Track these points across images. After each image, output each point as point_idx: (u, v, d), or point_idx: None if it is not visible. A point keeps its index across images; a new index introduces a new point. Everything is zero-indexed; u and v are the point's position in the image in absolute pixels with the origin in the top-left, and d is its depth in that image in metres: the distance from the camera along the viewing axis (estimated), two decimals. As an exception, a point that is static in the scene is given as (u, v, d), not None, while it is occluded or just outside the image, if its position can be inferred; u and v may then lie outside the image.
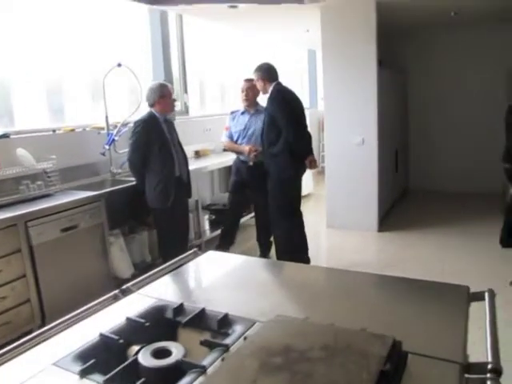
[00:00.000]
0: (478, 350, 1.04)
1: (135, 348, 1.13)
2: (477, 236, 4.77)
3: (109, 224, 3.41)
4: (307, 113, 4.27)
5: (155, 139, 3.37)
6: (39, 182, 3.30)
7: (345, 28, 4.84)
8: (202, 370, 0.98)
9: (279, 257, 3.94)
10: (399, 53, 6.81)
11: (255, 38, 6.99)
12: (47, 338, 1.19)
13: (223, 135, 4.29)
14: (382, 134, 4.98)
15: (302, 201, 4.09)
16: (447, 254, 4.31)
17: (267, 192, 4.00)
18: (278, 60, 6.37)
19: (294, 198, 3.92)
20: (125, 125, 3.93)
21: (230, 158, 4.57)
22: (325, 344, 0.95)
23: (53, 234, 2.94)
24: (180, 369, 1.01)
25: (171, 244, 3.46)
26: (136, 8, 4.56)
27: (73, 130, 3.85)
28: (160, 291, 1.45)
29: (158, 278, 1.58)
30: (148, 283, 1.54)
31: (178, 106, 5.36)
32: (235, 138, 4.20)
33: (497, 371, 0.90)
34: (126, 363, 1.04)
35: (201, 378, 0.95)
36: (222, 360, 0.99)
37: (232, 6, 4.52)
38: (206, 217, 4.82)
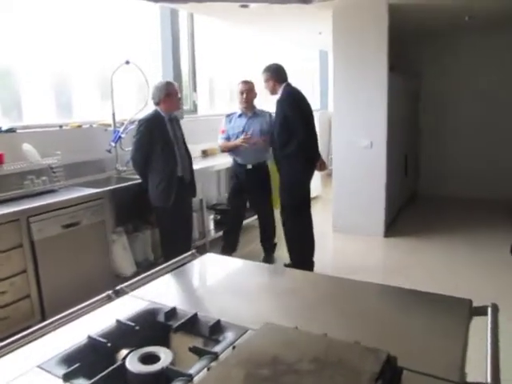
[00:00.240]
0: (478, 365, 1.00)
1: (124, 352, 1.11)
2: (487, 244, 4.66)
3: (112, 221, 3.40)
4: (317, 114, 4.23)
5: (158, 138, 3.35)
6: (44, 178, 3.30)
7: (356, 30, 4.79)
8: (189, 378, 0.96)
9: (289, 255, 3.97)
10: (413, 57, 6.74)
11: (266, 37, 6.95)
12: (35, 339, 1.17)
13: (219, 138, 4.18)
14: (391, 137, 4.91)
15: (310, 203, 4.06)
16: (454, 263, 4.23)
17: (268, 194, 3.96)
18: (288, 59, 6.33)
19: (303, 198, 3.90)
20: (132, 122, 3.92)
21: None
22: (315, 356, 0.91)
23: (54, 230, 2.94)
24: (166, 376, 0.98)
25: (173, 243, 3.45)
26: (146, 6, 4.55)
27: (80, 127, 3.85)
28: (154, 293, 1.43)
29: (153, 279, 1.56)
30: (143, 284, 1.52)
31: (186, 104, 5.35)
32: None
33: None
34: (112, 368, 1.01)
35: (187, 387, 0.92)
36: (208, 369, 0.95)
37: (243, 6, 4.49)
38: (211, 217, 4.80)
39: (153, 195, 3.45)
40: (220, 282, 1.59)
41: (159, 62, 4.94)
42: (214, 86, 6.24)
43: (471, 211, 6.04)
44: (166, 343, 1.17)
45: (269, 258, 4.30)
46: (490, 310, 1.17)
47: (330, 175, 5.94)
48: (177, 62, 5.01)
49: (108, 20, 4.31)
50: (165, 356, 1.06)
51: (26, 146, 3.26)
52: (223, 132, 4.14)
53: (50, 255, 2.93)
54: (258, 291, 1.47)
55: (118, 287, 1.45)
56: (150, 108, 3.59)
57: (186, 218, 3.64)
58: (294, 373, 0.87)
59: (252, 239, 4.73)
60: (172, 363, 1.04)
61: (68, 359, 1.06)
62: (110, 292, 1.42)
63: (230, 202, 4.34)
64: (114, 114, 3.90)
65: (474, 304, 1.24)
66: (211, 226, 4.78)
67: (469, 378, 0.96)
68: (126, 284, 1.48)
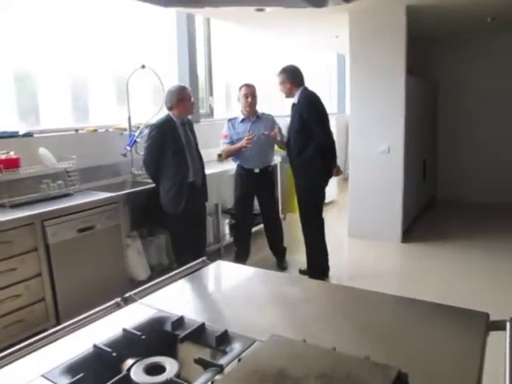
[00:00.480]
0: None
1: (130, 362, 1.10)
2: (507, 253, 4.53)
3: (127, 226, 3.41)
4: (335, 118, 4.17)
5: (169, 144, 3.34)
6: (60, 182, 3.34)
7: (374, 33, 4.73)
8: (193, 391, 0.94)
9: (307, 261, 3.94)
10: (429, 59, 6.64)
11: (282, 42, 6.93)
12: (41, 347, 1.17)
13: (222, 143, 4.04)
14: (408, 142, 4.83)
15: (326, 207, 4.01)
16: (472, 271, 4.12)
17: (274, 200, 3.89)
18: (305, 62, 6.29)
19: (318, 203, 3.86)
20: (147, 126, 3.93)
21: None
22: (322, 372, 0.88)
23: (69, 233, 2.96)
24: (171, 388, 0.96)
25: (184, 249, 3.44)
26: (163, 10, 4.57)
27: (95, 131, 3.88)
28: (162, 302, 1.41)
29: (162, 286, 1.55)
30: (153, 291, 1.50)
31: (203, 108, 5.35)
32: None
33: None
34: (116, 378, 1.00)
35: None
36: (212, 383, 0.93)
37: (259, 9, 4.47)
38: (227, 221, 4.77)
39: (164, 200, 3.45)
40: (230, 291, 1.57)
41: (175, 66, 4.96)
42: (231, 90, 6.24)
43: (490, 217, 5.90)
44: (172, 353, 1.15)
45: (281, 263, 4.26)
46: (508, 324, 1.11)
47: (346, 180, 5.88)
48: (193, 67, 5.01)
49: (125, 24, 4.34)
50: (170, 367, 1.05)
51: (43, 150, 3.29)
52: (226, 137, 4.01)
53: (65, 259, 2.95)
54: (267, 300, 1.44)
55: (126, 294, 1.44)
56: (165, 112, 3.60)
57: (197, 223, 3.62)
58: (300, 389, 0.84)
59: (265, 245, 4.69)
60: (177, 375, 1.02)
61: (72, 368, 1.05)
62: (119, 299, 1.41)
63: (237, 209, 4.16)
64: (129, 118, 3.93)
65: (492, 317, 1.19)
66: (226, 230, 4.76)
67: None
68: (135, 291, 1.46)
